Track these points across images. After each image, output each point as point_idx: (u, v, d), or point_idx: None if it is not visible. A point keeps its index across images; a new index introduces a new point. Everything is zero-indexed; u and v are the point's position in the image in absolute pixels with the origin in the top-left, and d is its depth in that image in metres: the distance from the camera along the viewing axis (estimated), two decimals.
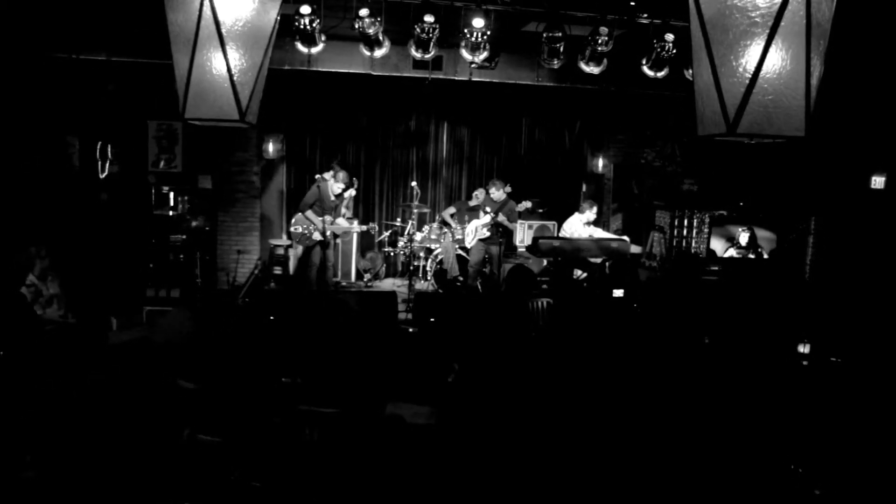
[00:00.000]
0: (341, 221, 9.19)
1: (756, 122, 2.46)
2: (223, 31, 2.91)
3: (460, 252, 9.71)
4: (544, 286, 8.11)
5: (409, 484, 3.48)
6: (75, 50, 8.44)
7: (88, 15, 8.11)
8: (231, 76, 3.01)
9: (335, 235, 9.10)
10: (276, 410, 4.04)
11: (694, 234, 9.72)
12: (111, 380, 4.81)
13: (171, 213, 9.22)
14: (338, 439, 3.73)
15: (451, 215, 9.96)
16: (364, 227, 9.60)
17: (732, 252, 9.29)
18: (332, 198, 8.86)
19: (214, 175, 9.72)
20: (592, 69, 7.83)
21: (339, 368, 4.58)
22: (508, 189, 9.33)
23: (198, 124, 3.27)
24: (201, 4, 2.85)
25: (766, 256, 9.12)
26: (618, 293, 7.60)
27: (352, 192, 9.69)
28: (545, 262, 8.81)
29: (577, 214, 9.25)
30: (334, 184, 8.82)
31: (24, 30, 8.12)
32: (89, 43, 8.46)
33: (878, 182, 8.39)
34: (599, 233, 9.16)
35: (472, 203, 9.81)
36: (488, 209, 9.35)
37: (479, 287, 9.12)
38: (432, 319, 6.13)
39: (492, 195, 9.42)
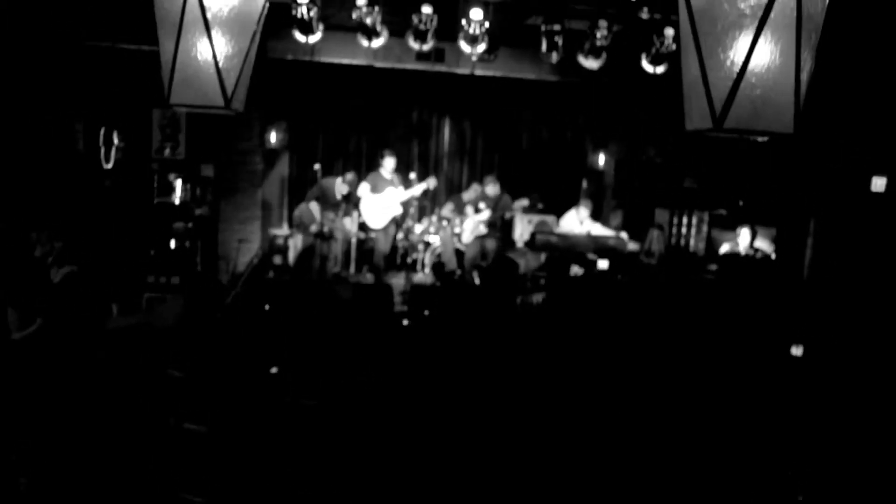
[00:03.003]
0: (346, 221, 9.25)
1: (743, 117, 2.41)
2: (209, 15, 2.87)
3: (458, 246, 9.69)
4: (541, 281, 8.08)
5: (394, 475, 3.47)
6: (82, 37, 8.45)
7: (95, 2, 8.12)
8: (216, 62, 2.98)
9: (331, 234, 9.12)
10: (262, 401, 4.04)
11: (693, 233, 9.67)
12: (108, 364, 4.80)
13: (175, 200, 9.23)
14: (322, 431, 3.72)
15: (451, 211, 9.95)
16: (363, 235, 9.64)
17: (731, 250, 9.22)
18: (338, 197, 9.00)
19: (217, 163, 9.70)
20: (591, 64, 7.80)
21: (328, 359, 4.56)
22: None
23: (184, 110, 3.25)
24: None
25: (764, 256, 9.05)
26: (602, 264, 7.57)
27: (421, 186, 9.61)
28: (542, 258, 8.79)
29: (572, 211, 9.25)
30: (341, 184, 8.97)
31: (33, 17, 8.15)
32: (96, 30, 8.48)
33: (878, 185, 8.29)
34: (598, 229, 9.13)
35: (466, 198, 9.79)
36: (482, 205, 9.35)
37: (476, 280, 9.10)
38: (426, 312, 6.10)
39: (487, 191, 9.43)
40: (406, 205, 9.66)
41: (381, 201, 9.35)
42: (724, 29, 2.32)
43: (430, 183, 9.60)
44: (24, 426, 3.98)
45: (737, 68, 2.31)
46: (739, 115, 2.34)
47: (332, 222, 9.08)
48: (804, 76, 2.37)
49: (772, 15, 2.26)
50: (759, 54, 2.30)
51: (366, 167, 10.83)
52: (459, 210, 9.80)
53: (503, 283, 5.45)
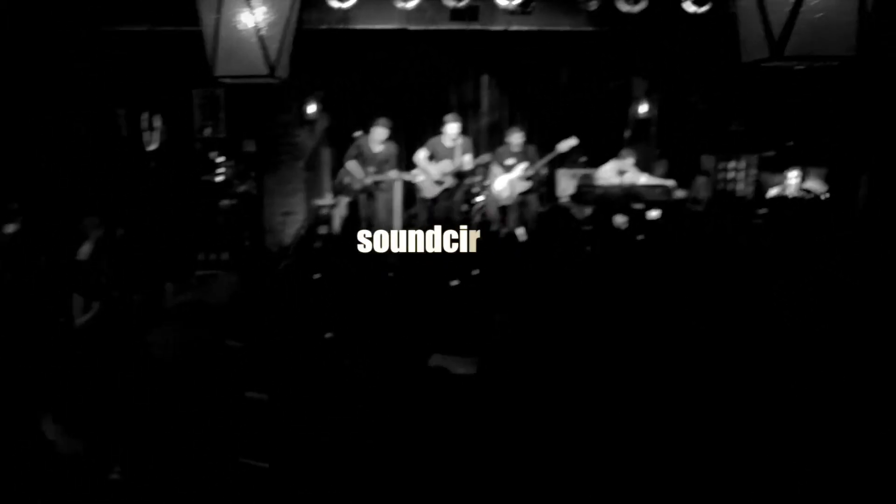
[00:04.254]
0: (391, 173, 9.07)
1: (804, 42, 2.31)
2: None
3: (502, 204, 9.56)
4: (587, 234, 7.99)
5: (452, 431, 3.48)
6: (119, 22, 8.50)
7: None
8: (258, 31, 2.97)
9: (376, 187, 9.01)
10: (320, 366, 4.08)
11: (742, 177, 9.44)
12: (168, 339, 4.87)
13: (218, 178, 9.35)
14: (381, 391, 3.75)
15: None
16: (406, 175, 9.42)
17: (781, 193, 8.99)
18: (375, 151, 8.91)
19: (258, 139, 9.78)
20: (631, 8, 7.59)
21: (382, 322, 4.59)
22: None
23: (229, 82, 3.26)
24: None
25: (815, 196, 8.79)
26: (653, 213, 7.42)
27: (478, 160, 9.28)
28: (587, 211, 8.67)
29: (611, 162, 9.07)
30: (375, 130, 8.82)
31: (69, 6, 8.29)
32: (133, 14, 8.53)
33: None
34: (644, 178, 8.96)
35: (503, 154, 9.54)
36: (510, 161, 9.11)
37: (522, 236, 8.99)
38: (475, 271, 6.08)
39: (512, 145, 9.17)
40: (459, 175, 9.32)
41: (437, 170, 9.20)
42: None
43: (487, 158, 9.27)
44: (90, 404, 4.07)
45: None
46: (800, 40, 2.25)
47: (375, 176, 8.98)
48: None
49: None
50: None
51: (405, 129, 10.72)
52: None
53: (556, 234, 5.40)
